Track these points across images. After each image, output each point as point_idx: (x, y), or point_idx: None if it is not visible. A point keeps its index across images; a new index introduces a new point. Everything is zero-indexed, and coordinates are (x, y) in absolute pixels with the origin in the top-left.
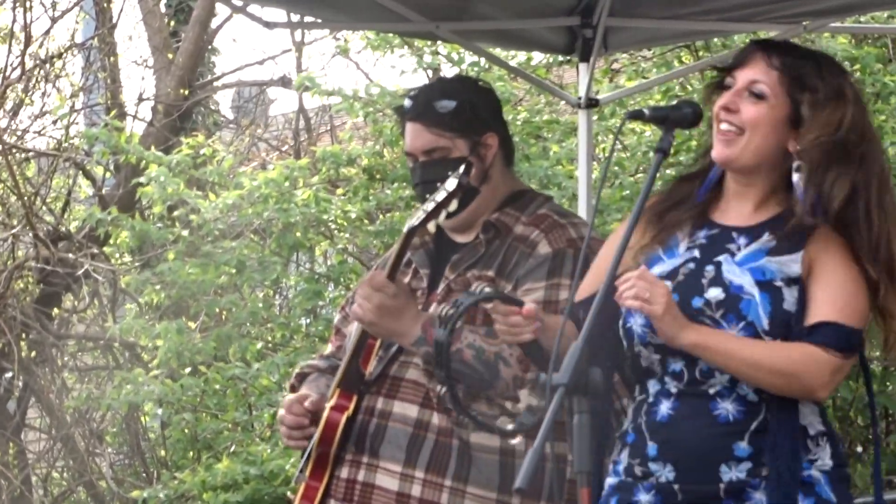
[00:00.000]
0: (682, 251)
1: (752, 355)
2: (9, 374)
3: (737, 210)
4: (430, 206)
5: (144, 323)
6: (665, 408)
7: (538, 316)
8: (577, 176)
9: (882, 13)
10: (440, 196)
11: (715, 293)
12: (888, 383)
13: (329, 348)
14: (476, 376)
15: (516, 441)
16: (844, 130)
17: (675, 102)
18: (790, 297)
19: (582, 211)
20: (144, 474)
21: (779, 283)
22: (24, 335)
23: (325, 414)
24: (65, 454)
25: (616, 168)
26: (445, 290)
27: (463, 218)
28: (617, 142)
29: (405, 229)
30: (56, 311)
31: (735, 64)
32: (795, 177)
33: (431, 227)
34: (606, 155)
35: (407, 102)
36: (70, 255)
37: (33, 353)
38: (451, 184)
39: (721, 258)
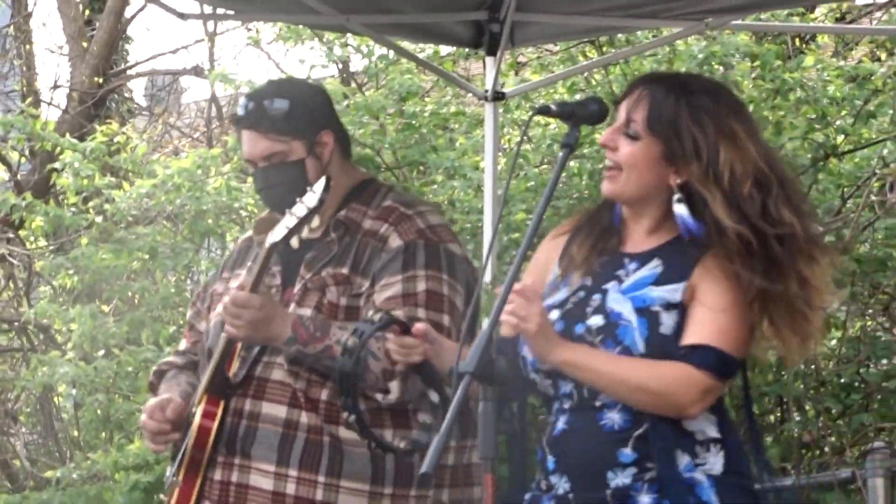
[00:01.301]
0: (575, 280)
1: (620, 373)
2: None
3: (631, 237)
4: (291, 221)
5: (59, 307)
6: (560, 423)
7: (430, 337)
8: (482, 167)
9: (782, 11)
10: (301, 212)
11: (596, 320)
12: (783, 372)
13: (184, 344)
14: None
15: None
16: (719, 163)
17: (581, 99)
18: (668, 321)
19: (488, 201)
20: (58, 454)
21: (656, 309)
22: None
23: (197, 420)
24: None
25: (521, 160)
26: (302, 289)
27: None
28: (522, 134)
29: (266, 245)
30: None
31: (622, 97)
32: (676, 209)
33: (294, 242)
34: (512, 147)
35: (240, 111)
36: None
37: None
38: (312, 199)
39: (609, 286)
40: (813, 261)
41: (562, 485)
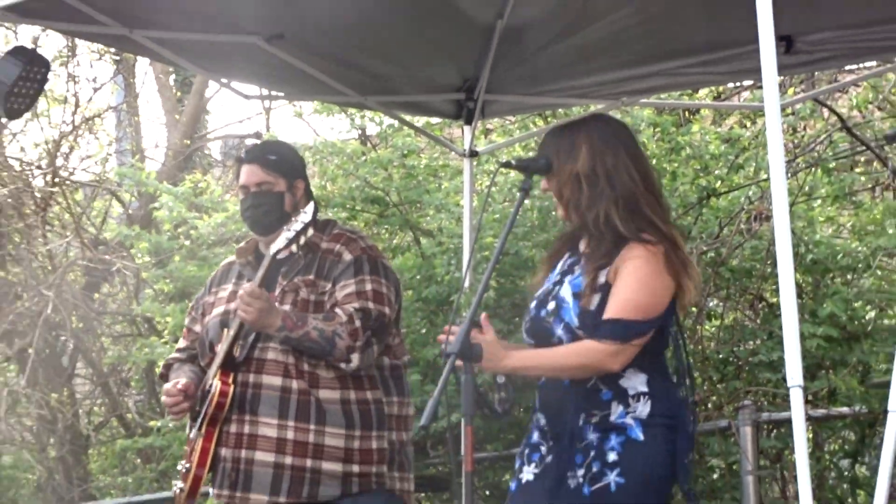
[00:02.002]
0: (551, 276)
1: (551, 362)
2: (63, 339)
3: (584, 241)
4: (290, 234)
5: (158, 305)
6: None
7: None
8: (462, 204)
9: (675, 92)
10: (298, 227)
11: (551, 305)
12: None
13: (183, 343)
14: (319, 348)
15: None
16: (584, 180)
17: (533, 156)
18: (595, 300)
19: (466, 228)
20: (158, 409)
21: (587, 292)
22: (74, 311)
23: (218, 388)
24: (102, 395)
25: (489, 199)
26: (281, 292)
27: (277, 236)
28: (492, 181)
29: (271, 252)
30: (97, 295)
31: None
32: None
33: (294, 248)
34: (483, 189)
35: (245, 152)
36: (106, 257)
37: (81, 325)
38: (305, 217)
39: (567, 279)
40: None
41: (542, 419)
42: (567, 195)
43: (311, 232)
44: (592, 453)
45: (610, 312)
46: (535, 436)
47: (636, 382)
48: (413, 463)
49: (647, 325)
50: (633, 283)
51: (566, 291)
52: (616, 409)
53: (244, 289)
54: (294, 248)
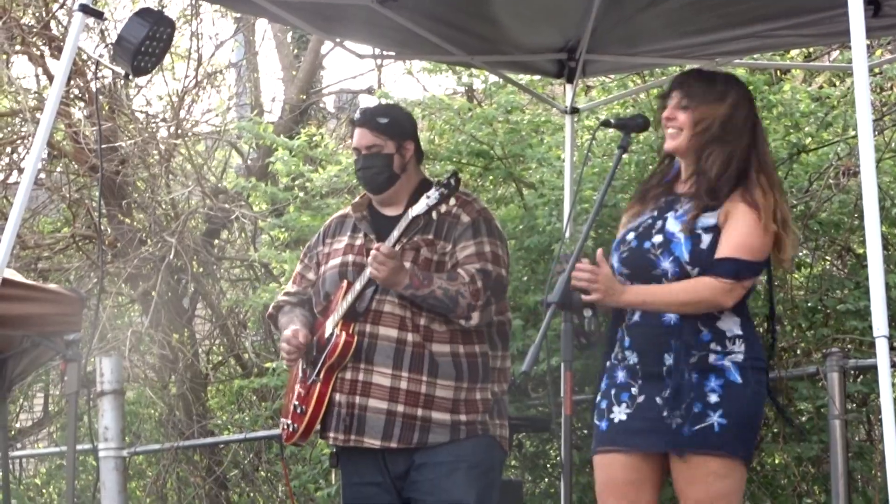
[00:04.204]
0: (647, 212)
1: (668, 297)
2: (184, 282)
3: (687, 183)
4: (432, 201)
5: (275, 252)
6: (636, 316)
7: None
8: (563, 158)
9: (767, 52)
10: (438, 196)
11: (658, 238)
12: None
13: (293, 287)
14: (442, 306)
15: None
16: (719, 124)
17: (631, 114)
18: (706, 240)
19: (566, 181)
20: (274, 350)
21: (699, 231)
22: (195, 257)
23: (344, 338)
24: (221, 336)
25: (589, 154)
26: (401, 251)
27: (389, 195)
28: (592, 138)
29: (411, 215)
30: (216, 241)
31: (670, 87)
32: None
33: (434, 214)
34: (584, 145)
35: (357, 115)
36: (226, 205)
37: (201, 269)
38: (448, 187)
39: (669, 214)
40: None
41: (632, 358)
42: (700, 132)
43: (452, 201)
44: (692, 394)
45: (725, 252)
46: (622, 375)
47: (731, 325)
48: (508, 411)
49: (758, 267)
50: (745, 227)
51: (674, 226)
52: (714, 350)
53: (379, 248)
54: (434, 214)
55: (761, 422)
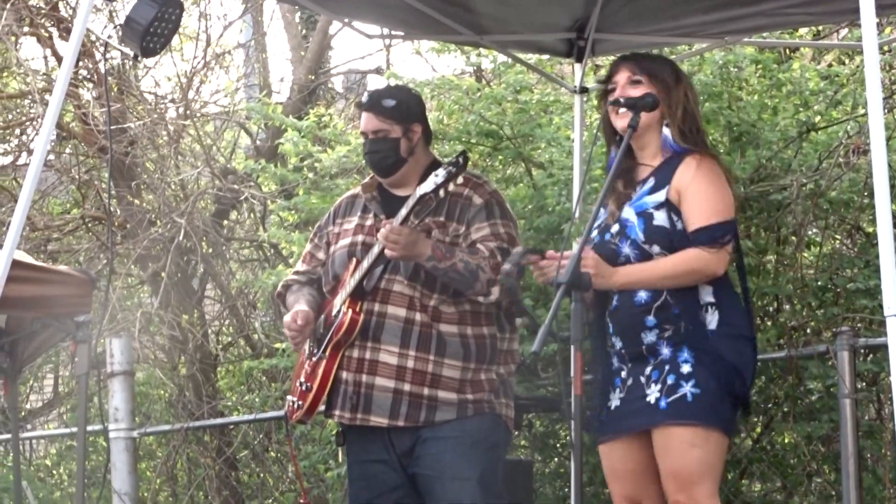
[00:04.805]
0: (611, 208)
1: (659, 273)
2: (194, 263)
3: (641, 168)
4: (440, 180)
5: (284, 232)
6: (614, 301)
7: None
8: (572, 138)
9: (776, 31)
10: (446, 174)
11: (615, 228)
12: (779, 278)
13: (302, 266)
14: (463, 279)
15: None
16: (685, 100)
17: (640, 94)
18: (659, 217)
19: (576, 160)
20: (283, 332)
21: (650, 210)
22: (204, 238)
23: (350, 315)
24: (230, 317)
25: (598, 134)
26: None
27: (398, 178)
28: (601, 117)
29: (419, 193)
30: (225, 222)
31: (610, 74)
32: (665, 130)
33: (442, 192)
34: (593, 124)
35: (364, 98)
36: (235, 186)
37: (210, 250)
38: (454, 166)
39: (626, 204)
40: None
41: (617, 343)
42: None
43: (461, 180)
44: (667, 367)
45: (698, 221)
46: (615, 361)
47: (703, 294)
48: (515, 391)
49: (730, 226)
50: (705, 191)
51: (628, 213)
52: (686, 321)
53: (386, 227)
54: (441, 192)
55: (745, 391)
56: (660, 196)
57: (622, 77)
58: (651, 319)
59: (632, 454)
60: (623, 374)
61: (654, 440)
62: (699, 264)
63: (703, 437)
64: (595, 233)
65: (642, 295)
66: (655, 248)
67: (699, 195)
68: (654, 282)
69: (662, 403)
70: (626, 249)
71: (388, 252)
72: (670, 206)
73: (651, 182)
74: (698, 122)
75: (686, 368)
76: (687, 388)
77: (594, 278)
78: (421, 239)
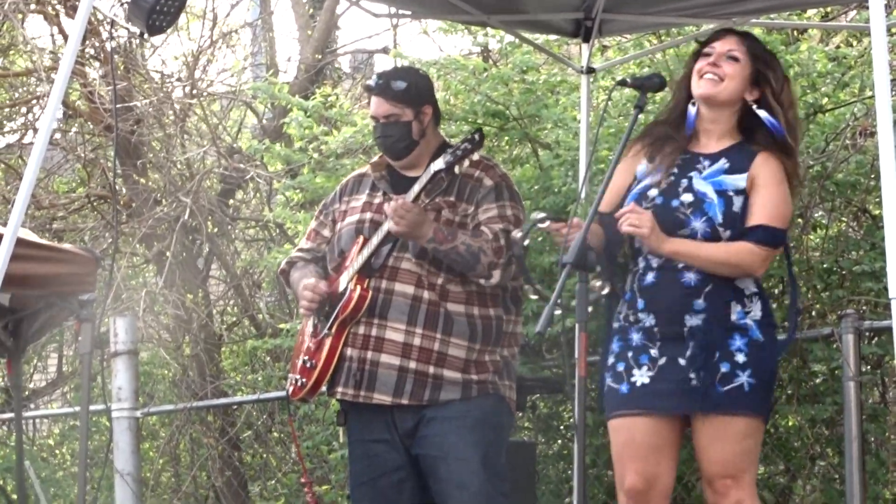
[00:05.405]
0: (662, 167)
1: (708, 255)
2: (199, 242)
3: (703, 142)
4: (454, 157)
5: (289, 212)
6: (650, 277)
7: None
8: (579, 119)
9: (784, 12)
10: (461, 151)
11: (687, 197)
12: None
13: (307, 243)
14: (464, 262)
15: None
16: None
17: (647, 74)
18: (737, 202)
19: (582, 141)
20: (288, 311)
21: (731, 193)
22: (210, 217)
23: (359, 292)
24: (235, 296)
25: (605, 114)
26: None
27: (410, 159)
28: (608, 98)
29: (433, 170)
30: (231, 201)
31: (711, 39)
32: (762, 113)
33: (457, 170)
34: (600, 105)
35: (372, 82)
36: (241, 165)
37: (215, 229)
38: (470, 143)
39: (692, 174)
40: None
41: (648, 320)
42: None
43: (475, 157)
44: (717, 354)
45: (761, 219)
46: (638, 337)
47: (748, 283)
48: (518, 373)
49: (786, 234)
50: (777, 194)
51: (703, 187)
52: (735, 309)
53: (397, 202)
54: (456, 169)
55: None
56: (740, 181)
57: (722, 47)
58: (700, 303)
59: (660, 432)
60: (653, 351)
61: (697, 426)
62: (749, 259)
63: (755, 427)
64: (654, 192)
65: (691, 277)
66: (727, 233)
67: (770, 193)
68: (700, 262)
69: (718, 389)
70: (698, 224)
71: (391, 226)
72: (746, 196)
73: (724, 162)
74: (797, 117)
75: (741, 357)
76: (744, 378)
77: (646, 239)
78: (427, 221)
